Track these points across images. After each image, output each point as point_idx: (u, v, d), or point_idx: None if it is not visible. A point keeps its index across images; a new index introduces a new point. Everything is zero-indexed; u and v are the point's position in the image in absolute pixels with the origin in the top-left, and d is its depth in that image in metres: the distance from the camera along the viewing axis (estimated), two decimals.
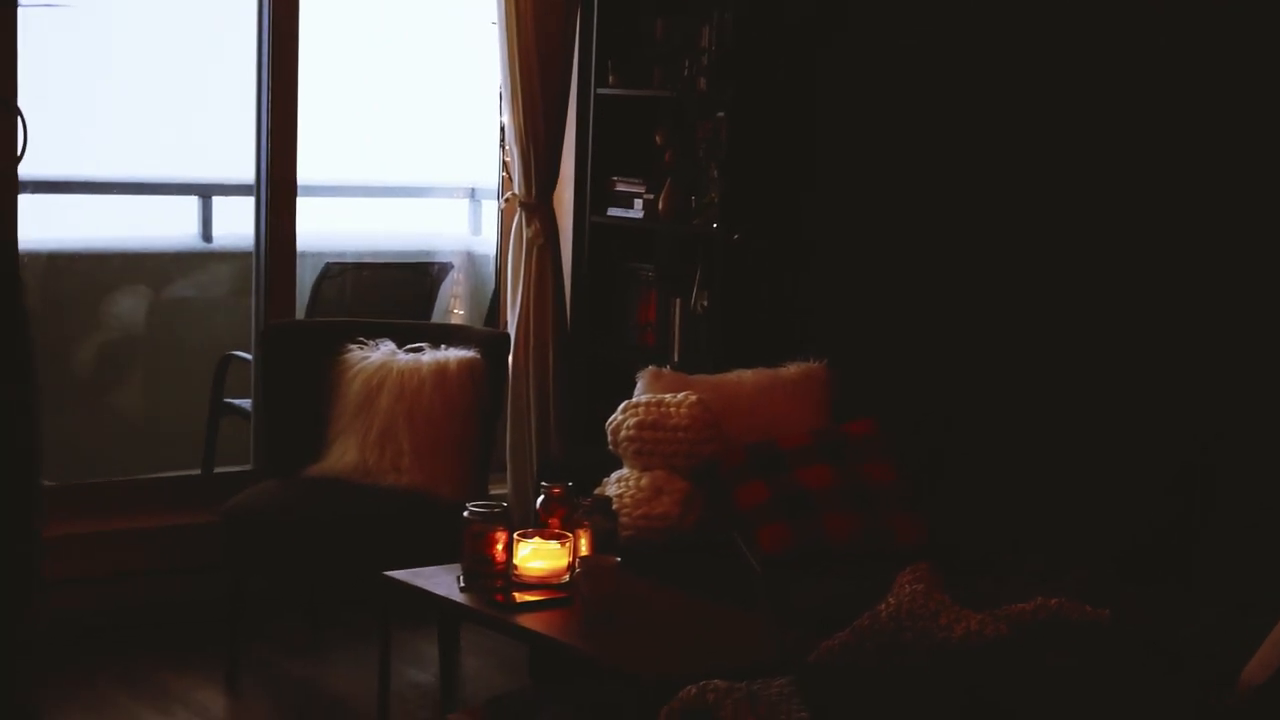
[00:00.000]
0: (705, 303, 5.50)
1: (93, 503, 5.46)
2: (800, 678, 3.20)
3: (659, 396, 4.83)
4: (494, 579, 4.16)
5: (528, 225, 5.84)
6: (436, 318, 6.77)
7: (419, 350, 5.30)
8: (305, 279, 6.30)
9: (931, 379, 4.98)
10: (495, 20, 5.73)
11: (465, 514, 4.22)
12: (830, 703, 3.11)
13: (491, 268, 6.66)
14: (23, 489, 3.26)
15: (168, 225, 7.02)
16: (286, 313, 5.81)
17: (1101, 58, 4.71)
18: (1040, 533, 4.39)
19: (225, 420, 6.21)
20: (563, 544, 4.17)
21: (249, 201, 5.82)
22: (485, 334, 5.64)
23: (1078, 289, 4.76)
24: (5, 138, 4.24)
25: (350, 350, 5.31)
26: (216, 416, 6.22)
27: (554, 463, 5.34)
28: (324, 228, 6.77)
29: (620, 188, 5.80)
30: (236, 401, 6.17)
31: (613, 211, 5.82)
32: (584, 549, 4.21)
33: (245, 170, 5.81)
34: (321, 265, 6.64)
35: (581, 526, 4.25)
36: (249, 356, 5.99)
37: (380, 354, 5.29)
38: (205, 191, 6.92)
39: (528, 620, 4.00)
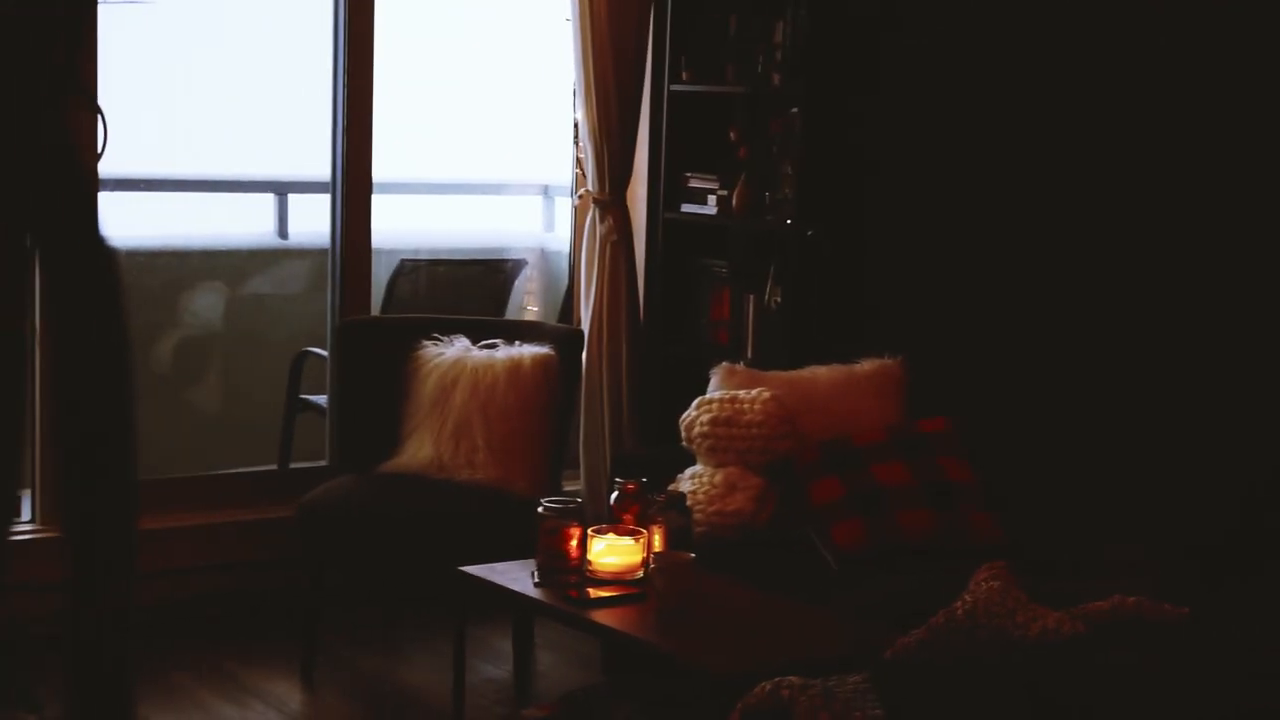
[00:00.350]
0: (779, 299, 5.49)
1: (170, 497, 5.50)
2: (875, 674, 3.19)
3: (733, 393, 4.82)
4: (568, 574, 4.17)
5: (601, 222, 5.85)
6: (510, 314, 6.78)
7: (493, 346, 5.31)
8: (380, 276, 6.33)
9: (1006, 376, 4.96)
10: (569, 17, 5.75)
11: (540, 510, 4.23)
12: (905, 700, 3.10)
13: (565, 264, 6.67)
14: (127, 481, 3.35)
15: (245, 222, 7.07)
16: (362, 309, 5.84)
17: (1181, 46, 4.66)
18: (1116, 530, 4.37)
19: (301, 416, 6.24)
20: (637, 540, 4.17)
21: (325, 199, 5.85)
22: (559, 330, 5.65)
23: (1152, 283, 4.72)
24: (86, 136, 4.29)
25: (425, 346, 5.33)
26: (293, 412, 6.26)
27: (628, 459, 5.34)
28: (399, 225, 6.81)
29: (694, 184, 5.79)
30: (312, 398, 6.20)
31: (686, 208, 5.82)
32: (658, 545, 4.21)
33: (321, 168, 5.84)
34: (396, 262, 6.67)
35: (655, 523, 4.25)
36: (324, 353, 6.02)
37: (455, 350, 5.31)
38: (281, 189, 6.97)
39: (602, 616, 4.00)
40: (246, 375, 6.73)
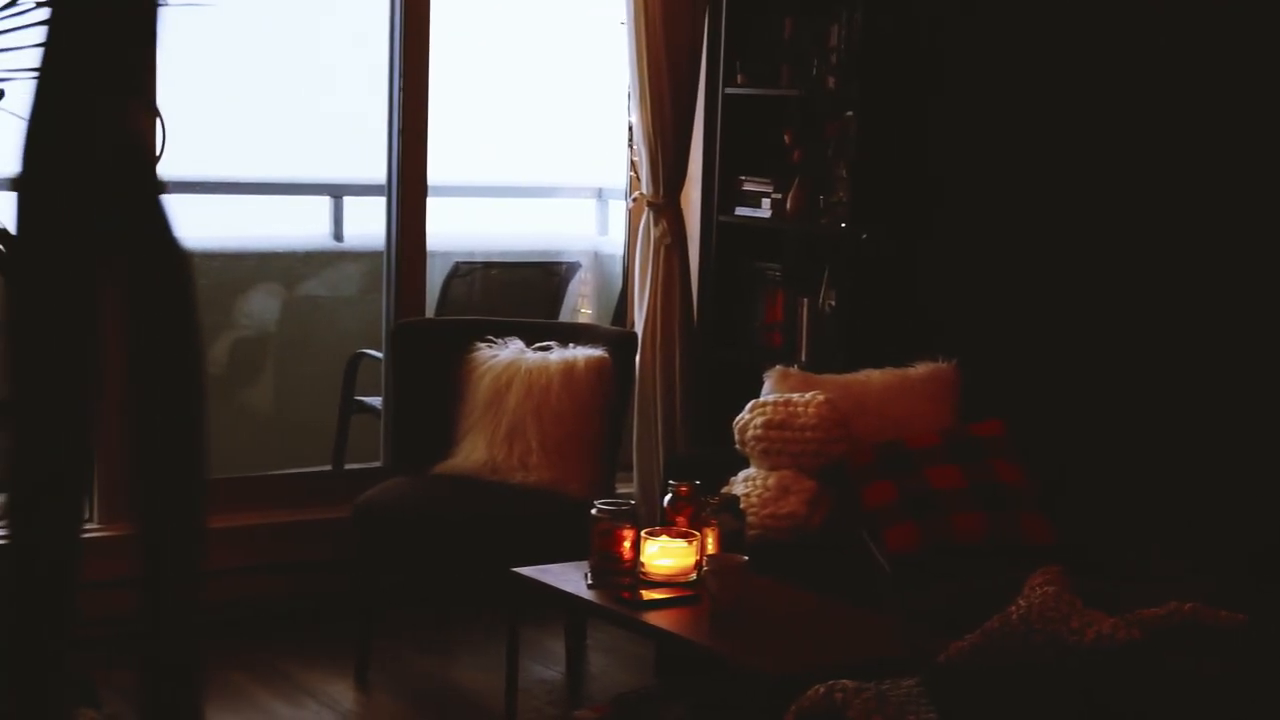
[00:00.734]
0: (833, 302, 5.48)
1: (226, 497, 5.53)
2: (929, 678, 3.18)
3: (787, 396, 4.82)
4: (621, 576, 4.18)
5: (655, 225, 5.86)
6: (564, 317, 6.80)
7: (547, 349, 5.33)
8: (435, 278, 6.36)
9: (1060, 379, 4.94)
10: (624, 20, 5.75)
11: (593, 512, 4.25)
12: (959, 705, 3.09)
13: (618, 267, 6.68)
14: (199, 481, 3.39)
15: (300, 225, 7.11)
16: (416, 311, 5.87)
17: (1244, 52, 4.64)
18: (1171, 535, 4.34)
19: (356, 417, 6.28)
20: (690, 542, 4.18)
21: (380, 201, 5.88)
22: (613, 333, 5.66)
23: (1208, 288, 4.70)
24: (146, 138, 4.33)
25: (479, 349, 5.35)
26: (347, 413, 6.30)
27: (681, 461, 5.35)
28: (453, 228, 6.83)
29: (748, 187, 5.79)
30: (367, 399, 6.23)
31: (740, 211, 5.82)
32: (711, 548, 4.21)
33: (376, 170, 5.87)
34: (451, 265, 6.70)
35: (709, 525, 4.26)
36: (379, 355, 6.05)
37: (509, 352, 5.33)
38: (337, 191, 7.00)
39: (655, 618, 4.01)
40: (301, 377, 6.77)
